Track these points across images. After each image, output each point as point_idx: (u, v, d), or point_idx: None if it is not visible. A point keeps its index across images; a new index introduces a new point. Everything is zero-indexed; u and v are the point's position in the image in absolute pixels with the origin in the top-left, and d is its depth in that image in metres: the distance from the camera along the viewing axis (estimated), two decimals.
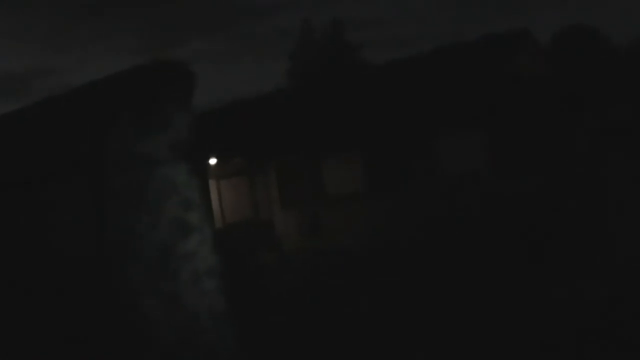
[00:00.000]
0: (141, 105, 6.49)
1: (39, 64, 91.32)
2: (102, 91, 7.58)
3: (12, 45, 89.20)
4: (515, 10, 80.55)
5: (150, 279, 6.00)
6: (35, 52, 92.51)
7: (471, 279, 14.18)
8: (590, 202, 17.51)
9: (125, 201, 6.20)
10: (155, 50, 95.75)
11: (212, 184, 22.73)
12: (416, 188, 20.77)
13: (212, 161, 22.70)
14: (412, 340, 9.38)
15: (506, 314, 10.35)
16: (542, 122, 19.55)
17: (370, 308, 12.20)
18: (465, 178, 19.80)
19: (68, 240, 6.83)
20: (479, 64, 21.67)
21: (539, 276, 13.07)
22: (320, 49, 39.53)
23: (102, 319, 6.62)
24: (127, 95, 6.77)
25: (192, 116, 6.33)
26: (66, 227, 6.84)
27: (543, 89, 20.65)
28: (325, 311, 12.45)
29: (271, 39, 78.80)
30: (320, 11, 65.34)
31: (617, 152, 18.68)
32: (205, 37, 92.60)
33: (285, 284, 17.14)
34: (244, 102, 28.29)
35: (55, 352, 7.03)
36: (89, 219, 6.51)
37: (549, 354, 8.16)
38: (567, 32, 23.50)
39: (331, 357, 8.92)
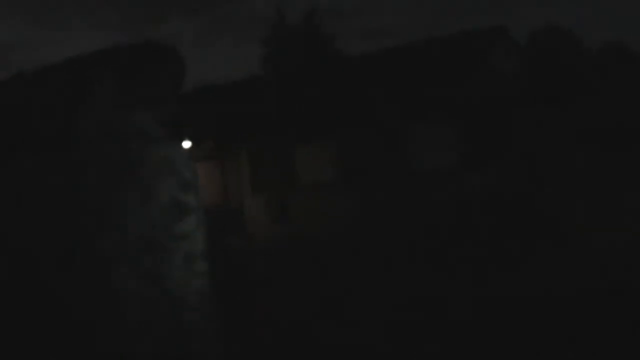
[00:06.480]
0: (128, 81, 6.48)
1: (16, 38, 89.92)
2: (85, 65, 7.52)
3: None
4: (497, 7, 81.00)
5: (138, 259, 6.00)
6: (14, 26, 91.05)
7: (432, 267, 14.50)
8: (559, 196, 17.85)
9: (112, 176, 6.18)
10: (136, 28, 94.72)
11: None
12: (387, 179, 20.96)
13: (186, 144, 22.66)
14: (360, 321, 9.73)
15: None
16: (515, 117, 19.82)
17: (332, 292, 12.47)
18: (437, 171, 20.03)
19: (39, 216, 6.79)
20: (453, 59, 21.86)
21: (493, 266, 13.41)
22: (294, 37, 39.47)
23: (74, 294, 6.62)
24: (113, 69, 6.75)
25: (180, 98, 6.38)
26: (38, 202, 6.79)
27: (517, 85, 20.93)
28: (289, 295, 12.66)
29: (248, 23, 78.38)
30: None
31: (586, 148, 19.02)
32: (185, 17, 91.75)
33: (251, 268, 17.27)
34: (219, 86, 28.24)
35: (22, 326, 7.00)
36: (63, 195, 6.48)
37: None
38: (541, 32, 23.82)
39: (306, 339, 9.10)
